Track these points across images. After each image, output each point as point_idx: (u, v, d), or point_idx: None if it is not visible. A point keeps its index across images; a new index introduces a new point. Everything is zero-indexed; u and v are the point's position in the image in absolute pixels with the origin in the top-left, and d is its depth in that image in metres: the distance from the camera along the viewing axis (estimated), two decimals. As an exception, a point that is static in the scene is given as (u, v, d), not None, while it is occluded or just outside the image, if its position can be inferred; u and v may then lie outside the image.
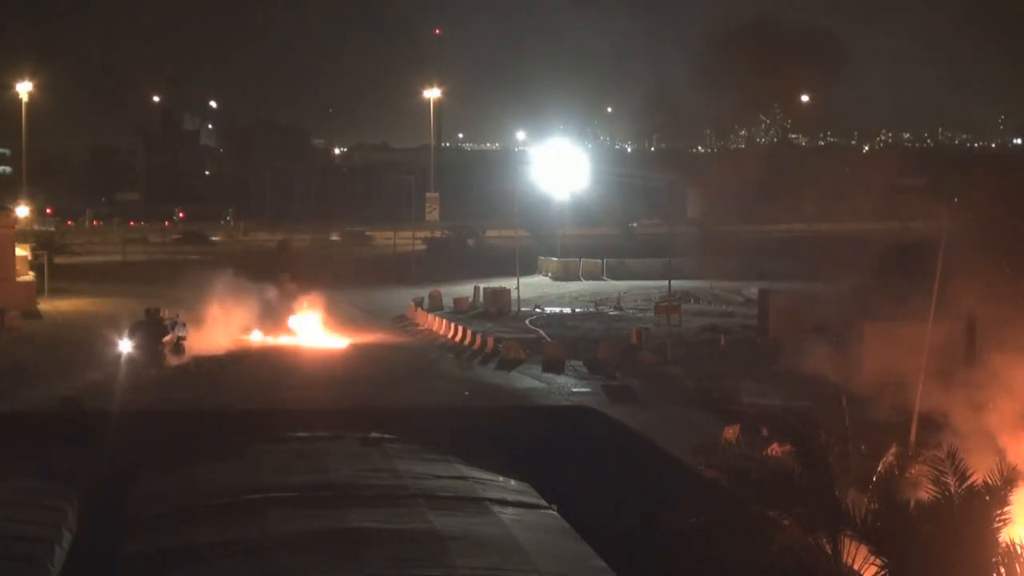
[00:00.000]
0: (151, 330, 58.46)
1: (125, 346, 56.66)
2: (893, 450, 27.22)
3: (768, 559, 22.72)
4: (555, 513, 32.34)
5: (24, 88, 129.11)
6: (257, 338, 64.86)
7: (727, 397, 49.81)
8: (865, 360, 53.48)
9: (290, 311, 67.88)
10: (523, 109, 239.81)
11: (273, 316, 67.14)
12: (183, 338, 59.92)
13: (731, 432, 40.48)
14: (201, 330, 62.03)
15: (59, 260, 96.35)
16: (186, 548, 28.39)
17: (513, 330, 69.12)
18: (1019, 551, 21.61)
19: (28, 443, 37.95)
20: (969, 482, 22.15)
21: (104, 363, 54.72)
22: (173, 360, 57.34)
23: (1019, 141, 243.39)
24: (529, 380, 54.72)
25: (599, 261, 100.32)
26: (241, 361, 58.29)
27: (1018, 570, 21.59)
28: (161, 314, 60.02)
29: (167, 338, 58.92)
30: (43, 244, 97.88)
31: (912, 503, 22.42)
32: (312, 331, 66.51)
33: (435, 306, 78.57)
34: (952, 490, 22.05)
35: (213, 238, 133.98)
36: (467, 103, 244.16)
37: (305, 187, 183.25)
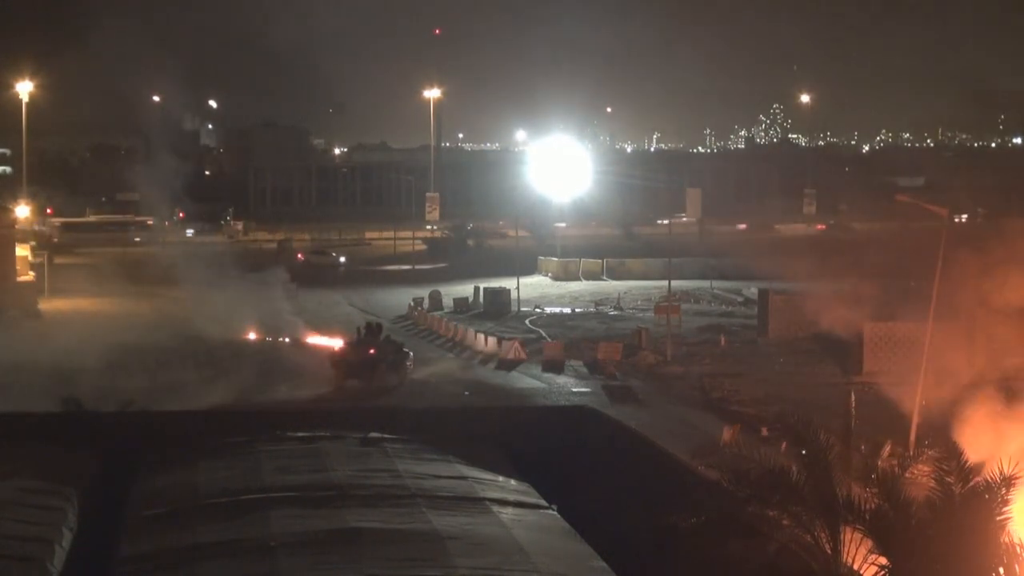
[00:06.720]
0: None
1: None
2: (888, 448, 27.25)
3: (767, 559, 22.72)
4: (555, 513, 32.25)
5: (24, 88, 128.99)
6: (255, 337, 64.88)
7: (727, 397, 49.84)
8: (865, 359, 53.59)
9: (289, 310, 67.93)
10: (523, 109, 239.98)
11: (272, 315, 67.20)
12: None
13: (731, 432, 40.51)
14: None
15: (59, 260, 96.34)
16: (186, 548, 28.35)
17: (513, 330, 69.12)
18: (1019, 551, 21.63)
19: (28, 443, 37.88)
20: (972, 483, 22.16)
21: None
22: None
23: (1019, 140, 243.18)
24: (529, 380, 54.74)
25: (599, 261, 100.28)
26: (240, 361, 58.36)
27: (1018, 570, 21.62)
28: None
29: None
30: (43, 244, 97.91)
31: (916, 501, 22.43)
32: (311, 331, 66.53)
33: (435, 306, 78.58)
34: (955, 490, 22.07)
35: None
36: (467, 103, 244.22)
37: (305, 187, 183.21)
